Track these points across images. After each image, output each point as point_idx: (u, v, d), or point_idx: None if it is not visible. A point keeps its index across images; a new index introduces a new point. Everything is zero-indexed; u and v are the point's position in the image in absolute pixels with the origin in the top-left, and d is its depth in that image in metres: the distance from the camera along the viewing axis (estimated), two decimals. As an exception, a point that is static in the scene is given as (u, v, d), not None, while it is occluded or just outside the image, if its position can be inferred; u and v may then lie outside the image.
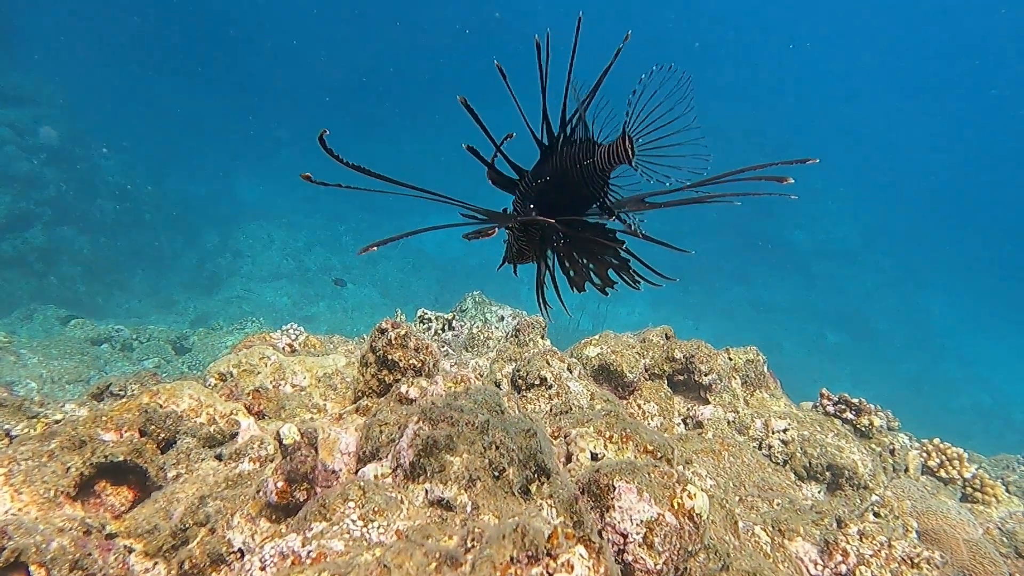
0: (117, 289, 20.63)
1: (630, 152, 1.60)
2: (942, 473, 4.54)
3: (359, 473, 2.21)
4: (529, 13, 37.94)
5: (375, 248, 1.47)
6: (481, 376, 4.51)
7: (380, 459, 2.27)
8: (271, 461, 2.46)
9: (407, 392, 2.64)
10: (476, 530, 1.53)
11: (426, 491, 2.02)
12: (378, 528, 1.82)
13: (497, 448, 2.08)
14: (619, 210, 1.67)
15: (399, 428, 2.34)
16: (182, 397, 2.55)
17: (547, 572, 1.34)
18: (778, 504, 3.19)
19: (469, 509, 1.97)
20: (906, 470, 4.31)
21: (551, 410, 3.70)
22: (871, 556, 2.58)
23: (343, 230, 29.04)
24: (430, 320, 7.91)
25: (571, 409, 3.66)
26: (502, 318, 8.46)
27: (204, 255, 23.97)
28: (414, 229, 1.63)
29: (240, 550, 2.13)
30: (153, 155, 26.66)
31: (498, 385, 4.88)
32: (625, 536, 2.17)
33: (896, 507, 3.30)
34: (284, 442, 2.19)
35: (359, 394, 2.95)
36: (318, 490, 2.23)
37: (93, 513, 2.36)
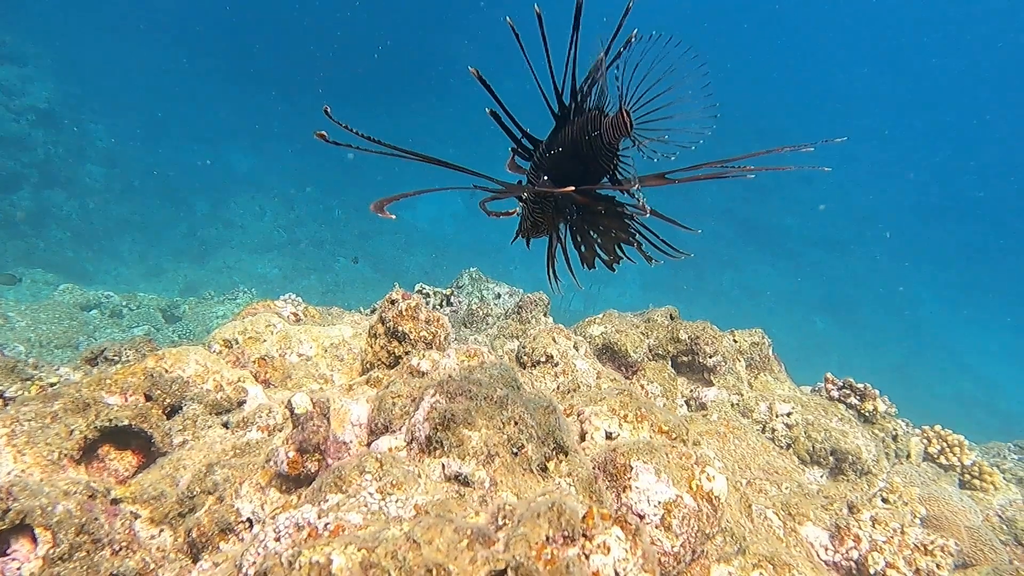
0: (106, 255, 20.40)
1: (628, 126, 1.56)
2: (942, 460, 4.56)
3: (372, 445, 2.16)
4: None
5: (386, 211, 1.46)
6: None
7: (393, 432, 2.21)
8: (280, 431, 2.39)
9: (418, 364, 2.58)
10: (507, 507, 1.47)
11: (443, 465, 1.96)
12: (396, 502, 1.76)
13: (516, 424, 2.03)
14: (632, 186, 1.61)
15: (412, 401, 2.29)
16: (188, 362, 2.48)
17: (583, 553, 1.29)
18: (786, 488, 3.17)
19: (487, 485, 1.92)
20: (908, 456, 4.32)
21: (558, 388, 3.65)
22: (884, 542, 2.56)
23: (335, 204, 28.76)
24: (428, 295, 7.83)
25: (579, 387, 3.61)
26: (499, 295, 8.39)
27: (195, 224, 23.69)
28: (426, 188, 1.58)
29: (249, 519, 2.07)
30: (145, 121, 26.21)
31: (499, 361, 4.83)
32: (642, 517, 2.13)
33: (904, 493, 3.29)
34: (296, 411, 2.13)
35: (367, 365, 2.88)
36: (330, 461, 2.18)
37: (97, 477, 2.29)
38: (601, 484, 2.10)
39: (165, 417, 2.40)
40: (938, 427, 4.76)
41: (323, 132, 1.45)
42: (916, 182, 35.43)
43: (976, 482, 4.62)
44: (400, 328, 2.79)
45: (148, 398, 2.40)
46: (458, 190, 1.64)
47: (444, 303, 7.65)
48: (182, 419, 2.38)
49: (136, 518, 2.11)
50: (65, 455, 2.19)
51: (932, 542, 2.53)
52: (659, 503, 2.13)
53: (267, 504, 2.08)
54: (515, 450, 2.01)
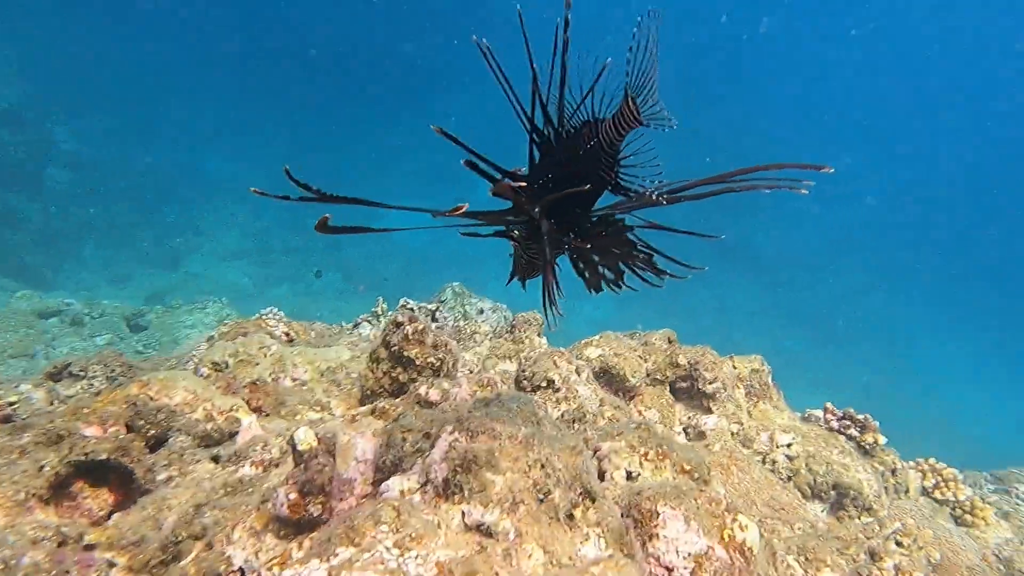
0: (68, 260, 19.72)
1: (636, 112, 1.52)
2: (937, 494, 4.51)
3: (383, 486, 1.97)
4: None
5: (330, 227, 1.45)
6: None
7: (405, 471, 2.02)
8: (276, 466, 2.19)
9: (427, 394, 2.40)
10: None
11: (463, 513, 1.79)
12: (416, 559, 1.58)
13: (543, 467, 1.86)
14: (624, 208, 1.60)
15: (425, 436, 2.10)
16: (176, 389, 2.26)
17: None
18: (799, 528, 3.05)
19: (512, 537, 1.75)
20: (907, 491, 4.25)
21: (563, 416, 3.49)
22: (910, 590, 2.44)
23: (307, 213, 28.19)
24: (412, 310, 7.62)
25: (584, 416, 3.46)
26: (482, 311, 8.22)
27: (163, 230, 23.07)
28: (396, 227, 1.56)
29: (242, 569, 1.86)
30: (113, 125, 25.51)
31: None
32: (671, 570, 1.98)
33: (920, 536, 3.20)
34: (298, 448, 1.93)
35: (368, 392, 2.69)
36: (334, 504, 1.98)
37: (68, 518, 2.06)
38: (632, 535, 1.94)
39: (148, 450, 2.17)
40: (932, 460, 4.72)
41: (256, 189, 1.47)
42: (887, 205, 36.21)
43: (968, 517, 4.57)
44: (406, 353, 2.60)
45: (130, 429, 2.17)
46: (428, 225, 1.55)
47: (430, 319, 7.45)
48: (168, 452, 2.16)
49: (112, 567, 1.88)
50: (33, 495, 1.95)
51: (961, 591, 2.42)
52: (689, 555, 1.98)
53: (263, 551, 1.87)
54: (541, 496, 1.84)
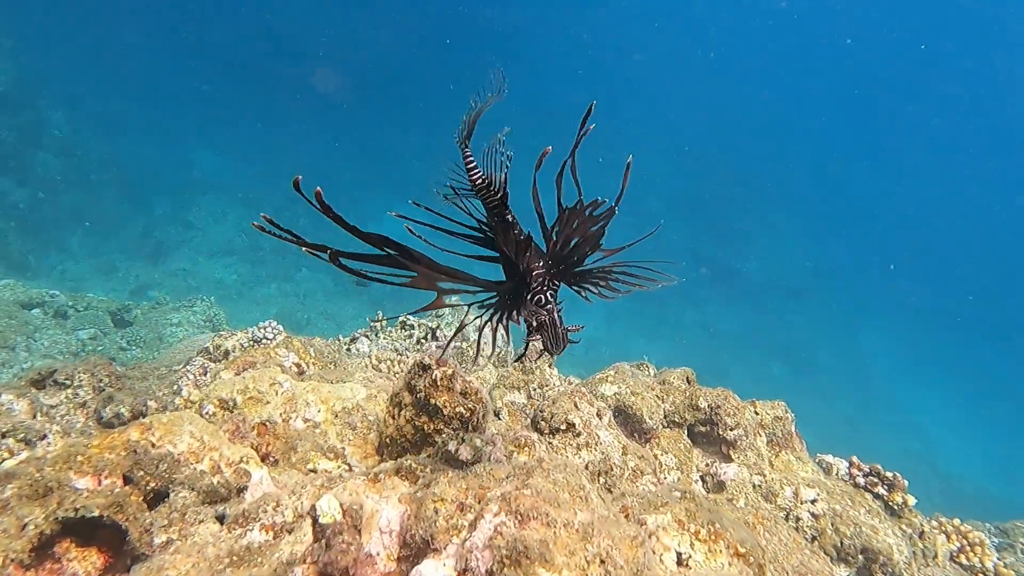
0: (53, 248, 19.27)
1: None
2: (962, 559, 4.31)
3: (413, 572, 1.72)
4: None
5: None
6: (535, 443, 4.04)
7: (438, 550, 1.78)
8: (287, 532, 1.94)
9: (456, 451, 2.16)
10: None
11: (513, 613, 1.55)
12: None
13: (603, 562, 1.63)
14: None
15: (460, 508, 1.87)
16: (181, 434, 2.01)
17: None
18: (840, 604, 2.83)
19: (570, 644, 1.51)
20: (935, 556, 4.05)
21: (587, 467, 3.26)
22: None
23: (301, 212, 27.98)
24: (412, 327, 7.37)
25: (612, 470, 3.23)
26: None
27: (152, 223, 22.67)
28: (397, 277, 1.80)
29: (251, 662, 1.62)
30: (106, 113, 25.11)
31: (497, 415, 4.43)
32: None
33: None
34: (321, 520, 1.69)
35: (387, 440, 2.45)
36: (358, 587, 1.73)
37: (48, 584, 1.80)
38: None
39: (146, 506, 1.92)
40: (956, 521, 4.53)
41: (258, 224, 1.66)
42: (877, 234, 36.57)
43: (990, 582, 4.38)
44: (433, 401, 2.37)
45: (127, 480, 1.91)
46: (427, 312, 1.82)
47: (430, 336, 7.20)
48: (168, 510, 1.91)
49: (100, 651, 1.63)
50: (12, 560, 1.69)
51: None
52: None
53: (277, 644, 1.62)
54: (600, 595, 1.61)
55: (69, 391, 4.72)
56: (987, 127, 39.02)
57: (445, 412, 2.37)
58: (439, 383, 2.39)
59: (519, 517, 1.70)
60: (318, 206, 1.56)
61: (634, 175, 1.91)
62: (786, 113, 41.79)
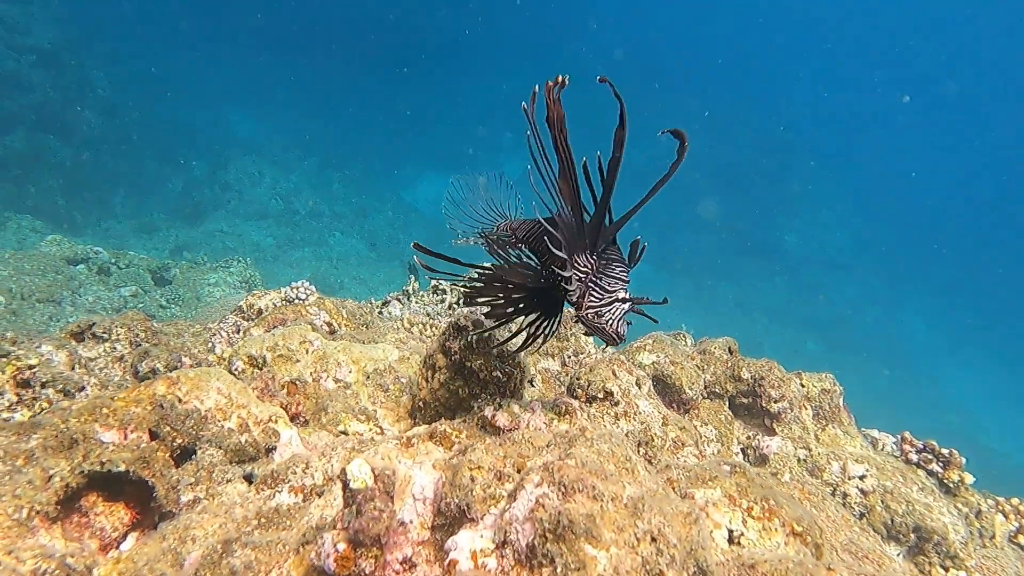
0: (97, 207, 19.68)
1: None
2: (1021, 540, 4.10)
3: (449, 543, 1.62)
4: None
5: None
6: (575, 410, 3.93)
7: (474, 521, 1.68)
8: (317, 495, 1.85)
9: (493, 417, 2.05)
10: None
11: (554, 591, 1.44)
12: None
13: (654, 540, 1.50)
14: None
15: (497, 477, 1.76)
16: (208, 391, 1.93)
17: None
18: (894, 588, 2.67)
19: (616, 628, 1.40)
20: (992, 537, 3.85)
21: (627, 436, 3.13)
22: None
23: (335, 177, 28.13)
24: (444, 292, 7.27)
25: (652, 440, 3.09)
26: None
27: (190, 184, 23.01)
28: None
29: (278, 628, 1.54)
30: (148, 74, 25.33)
31: (531, 382, 4.32)
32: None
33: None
34: (352, 486, 1.59)
35: (420, 403, 2.35)
36: (388, 557, 1.64)
37: (75, 538, 1.75)
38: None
39: (173, 463, 1.85)
40: (1015, 500, 4.30)
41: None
42: (920, 209, 35.31)
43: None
44: (468, 364, 2.25)
45: (154, 436, 1.85)
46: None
47: (461, 302, 7.10)
48: (195, 468, 1.84)
49: (125, 610, 1.57)
50: (37, 512, 1.64)
51: None
52: (814, 647, 1.62)
53: (304, 610, 1.54)
54: (650, 576, 1.48)
55: (107, 344, 4.75)
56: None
57: (481, 376, 2.26)
58: (475, 346, 2.27)
59: (563, 489, 1.57)
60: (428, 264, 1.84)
61: (669, 147, 1.70)
62: (831, 81, 40.15)
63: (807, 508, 3.34)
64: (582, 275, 1.79)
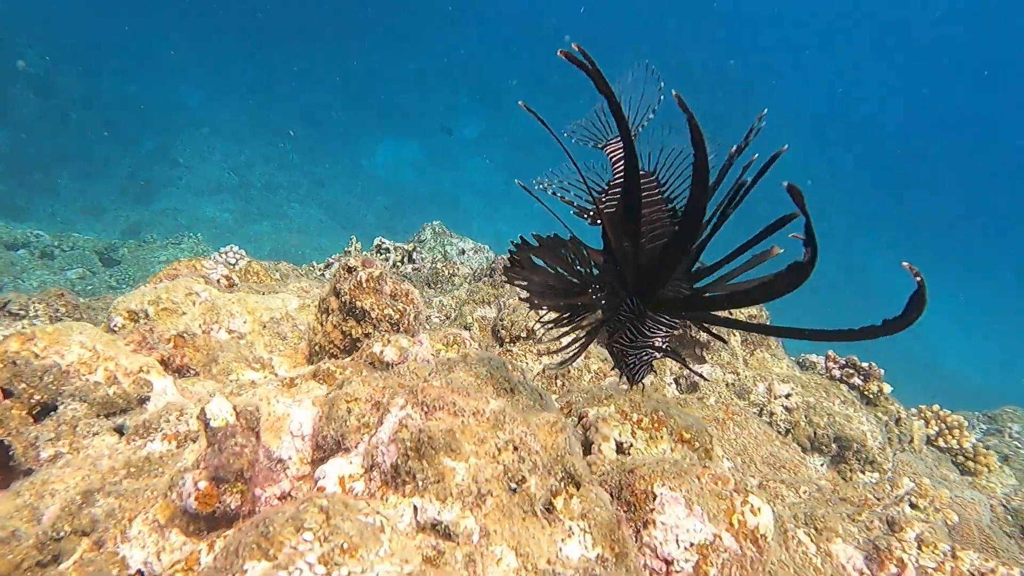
0: (40, 191, 18.91)
1: None
2: (940, 443, 4.26)
3: (318, 471, 1.59)
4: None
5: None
6: (458, 324, 3.90)
7: (347, 450, 1.65)
8: (194, 440, 1.80)
9: (381, 353, 2.01)
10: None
11: (415, 508, 1.42)
12: (348, 576, 1.22)
13: (516, 449, 1.49)
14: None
15: (374, 407, 1.72)
16: (69, 345, 1.84)
17: None
18: (805, 492, 2.75)
19: (476, 538, 1.39)
20: (911, 441, 3.99)
21: (544, 371, 3.13)
22: (934, 570, 2.15)
23: (289, 147, 27.37)
24: (388, 251, 7.17)
25: (568, 372, 3.10)
26: (463, 251, 7.79)
27: (138, 162, 22.16)
28: None
29: (140, 572, 1.51)
30: (82, 48, 24.12)
31: (468, 329, 4.29)
32: (669, 563, 1.65)
33: (937, 498, 2.92)
34: (212, 424, 1.55)
35: (316, 348, 2.29)
36: (257, 491, 1.61)
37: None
38: (624, 530, 1.60)
39: (32, 420, 1.77)
40: (936, 407, 4.46)
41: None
42: (876, 145, 35.84)
43: (971, 464, 4.35)
44: (359, 304, 2.19)
45: (8, 394, 1.76)
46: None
47: (406, 260, 7.01)
48: (55, 423, 1.76)
49: (-20, 569, 1.52)
50: None
51: (992, 571, 2.13)
52: (692, 545, 1.65)
53: (166, 552, 1.51)
54: (514, 485, 1.47)
55: (25, 322, 4.58)
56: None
57: (373, 315, 2.20)
58: (364, 285, 2.21)
59: (425, 408, 1.55)
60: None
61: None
62: (786, 20, 40.03)
63: (730, 427, 3.41)
64: (624, 317, 1.53)
